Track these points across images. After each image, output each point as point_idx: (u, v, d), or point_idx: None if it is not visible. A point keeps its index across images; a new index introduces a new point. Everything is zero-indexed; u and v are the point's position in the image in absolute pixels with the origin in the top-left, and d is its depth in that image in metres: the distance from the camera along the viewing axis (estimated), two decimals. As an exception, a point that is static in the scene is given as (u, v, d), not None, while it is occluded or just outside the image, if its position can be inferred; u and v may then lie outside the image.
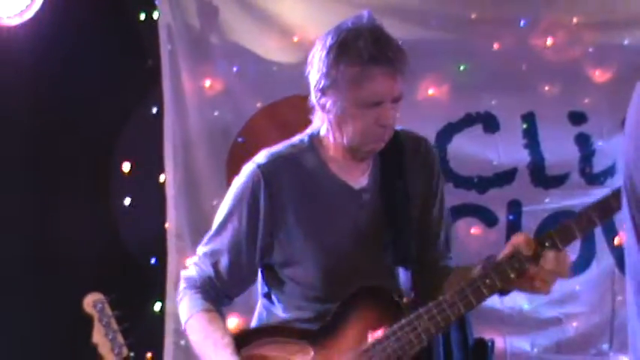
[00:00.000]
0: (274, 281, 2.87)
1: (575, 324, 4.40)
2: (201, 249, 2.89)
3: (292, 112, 4.40)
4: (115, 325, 2.99)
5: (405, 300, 2.75)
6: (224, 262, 2.82)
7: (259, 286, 2.95)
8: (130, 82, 4.35)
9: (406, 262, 2.80)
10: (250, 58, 4.40)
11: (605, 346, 4.21)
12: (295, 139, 2.86)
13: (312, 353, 2.71)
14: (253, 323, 2.97)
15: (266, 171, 2.77)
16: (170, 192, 4.39)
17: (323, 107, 2.73)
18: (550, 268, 2.62)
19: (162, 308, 4.38)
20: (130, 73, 4.36)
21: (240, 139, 4.43)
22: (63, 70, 4.27)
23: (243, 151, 4.38)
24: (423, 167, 2.86)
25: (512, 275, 2.63)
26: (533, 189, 4.44)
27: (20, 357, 4.29)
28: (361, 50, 2.63)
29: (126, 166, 4.37)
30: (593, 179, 4.44)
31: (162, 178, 4.40)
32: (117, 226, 4.29)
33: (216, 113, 4.45)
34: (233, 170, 4.35)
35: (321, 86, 2.70)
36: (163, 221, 4.39)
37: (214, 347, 2.72)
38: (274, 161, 2.80)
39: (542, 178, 4.43)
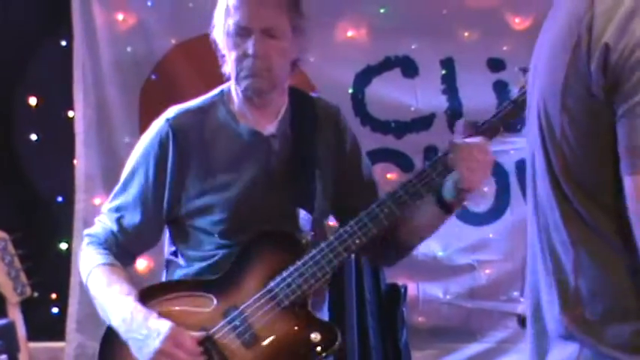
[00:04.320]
0: (179, 235, 2.84)
1: (487, 271, 4.44)
2: (107, 205, 2.86)
3: (207, 50, 4.30)
4: (18, 264, 2.92)
5: (304, 241, 2.74)
6: (129, 216, 2.78)
7: (166, 247, 2.93)
8: (37, 13, 4.21)
9: (307, 204, 2.78)
10: (165, -7, 4.30)
11: (516, 293, 4.24)
12: (208, 95, 2.86)
13: (214, 301, 2.69)
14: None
15: (175, 124, 2.76)
16: (79, 128, 4.30)
17: (216, 45, 2.77)
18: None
19: (69, 248, 4.31)
20: (39, 4, 4.23)
21: (153, 76, 4.36)
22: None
23: (157, 88, 4.31)
24: (335, 134, 2.87)
25: (409, 202, 2.65)
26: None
27: None
28: None
29: (32, 101, 4.25)
30: (510, 127, 4.43)
31: (71, 113, 4.29)
32: (22, 162, 4.18)
33: (129, 49, 4.36)
34: (146, 107, 4.32)
35: (214, 20, 2.76)
36: (71, 159, 4.28)
37: (117, 295, 2.69)
38: (183, 115, 2.80)
39: (460, 124, 4.43)
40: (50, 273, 3.87)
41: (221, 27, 2.72)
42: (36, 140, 4.28)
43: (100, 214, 2.87)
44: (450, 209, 2.71)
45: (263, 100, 2.76)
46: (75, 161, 4.30)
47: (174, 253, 2.89)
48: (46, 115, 4.30)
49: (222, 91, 2.84)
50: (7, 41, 4.13)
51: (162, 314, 2.67)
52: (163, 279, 2.93)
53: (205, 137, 2.76)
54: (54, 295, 4.32)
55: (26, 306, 2.89)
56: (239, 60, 2.69)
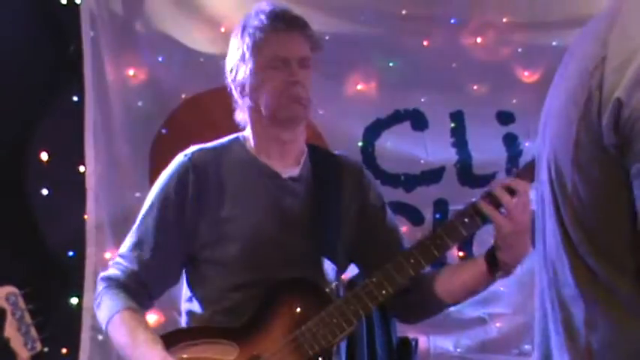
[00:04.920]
0: (196, 278, 2.83)
1: (498, 324, 4.42)
2: (124, 247, 2.85)
3: (217, 104, 4.32)
4: (28, 319, 2.92)
5: (328, 289, 2.74)
6: (149, 251, 2.78)
7: (183, 292, 2.91)
8: (50, 69, 4.24)
9: (332, 254, 2.77)
10: (176, 48, 4.34)
11: (528, 347, 4.22)
12: (223, 139, 2.90)
13: (237, 350, 2.66)
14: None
15: (195, 160, 2.80)
16: (90, 183, 4.31)
17: (238, 88, 2.80)
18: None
19: (80, 302, 4.29)
20: (51, 60, 4.25)
21: (163, 131, 4.37)
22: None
23: (167, 142, 4.32)
24: (359, 188, 2.88)
25: (436, 253, 2.65)
26: (460, 188, 4.44)
27: None
28: (260, 21, 2.74)
29: (44, 156, 4.26)
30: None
31: (82, 168, 4.31)
32: (33, 217, 4.18)
33: (139, 103, 4.38)
34: (156, 162, 4.33)
35: (231, 67, 2.80)
36: (82, 213, 4.29)
37: (145, 343, 2.65)
38: (203, 152, 2.84)
39: (470, 177, 4.43)
40: (61, 328, 3.86)
41: (247, 66, 2.74)
42: (47, 195, 4.28)
43: (115, 258, 2.85)
44: (496, 270, 2.68)
45: (295, 131, 2.78)
46: (86, 216, 4.30)
47: (190, 299, 2.86)
48: (57, 170, 4.30)
49: (237, 137, 2.88)
50: (19, 96, 4.14)
51: None
52: (182, 320, 2.91)
53: (223, 171, 2.79)
54: (64, 350, 4.29)
55: (37, 361, 2.89)
56: (281, 89, 2.71)
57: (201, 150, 2.85)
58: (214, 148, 2.86)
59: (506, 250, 2.62)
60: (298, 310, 2.68)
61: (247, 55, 2.74)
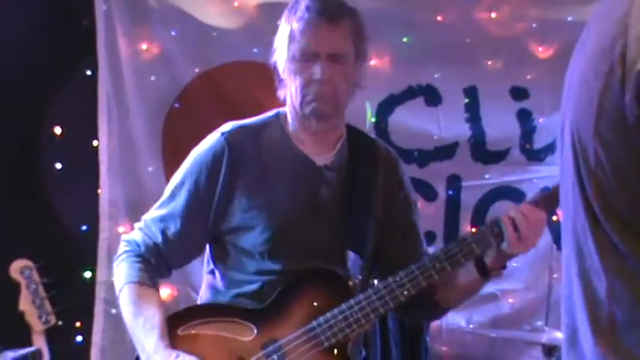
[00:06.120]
0: (220, 255, 2.82)
1: (511, 300, 4.42)
2: (151, 214, 2.82)
3: (230, 78, 4.34)
4: (43, 293, 2.94)
5: (352, 283, 2.72)
6: (175, 227, 2.76)
7: (205, 264, 2.90)
8: (63, 43, 4.24)
9: (357, 247, 2.77)
10: (189, 23, 4.33)
11: (540, 323, 4.21)
12: (262, 115, 2.85)
13: (254, 331, 2.67)
14: (199, 302, 2.91)
15: (230, 139, 2.75)
16: (103, 157, 4.32)
17: (278, 69, 2.74)
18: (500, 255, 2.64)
19: (93, 276, 4.32)
20: (64, 34, 4.25)
21: (177, 105, 4.37)
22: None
23: (180, 117, 4.33)
24: (393, 181, 2.86)
25: (462, 260, 2.63)
26: (473, 164, 4.43)
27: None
28: (302, 7, 2.68)
29: (57, 130, 4.27)
30: (534, 156, 4.44)
31: (95, 143, 4.32)
32: (47, 191, 4.19)
33: (152, 78, 4.38)
34: (169, 136, 4.34)
35: (274, 48, 2.74)
36: (96, 187, 4.30)
37: (143, 326, 2.66)
38: (239, 131, 2.78)
39: (483, 153, 4.43)
40: (74, 301, 3.87)
41: (284, 52, 2.70)
42: (60, 169, 4.29)
43: (142, 221, 2.83)
44: (488, 275, 2.69)
45: (325, 125, 2.75)
46: (99, 190, 4.31)
47: (212, 272, 2.86)
48: (70, 144, 4.30)
49: (277, 113, 2.83)
50: (33, 72, 4.14)
51: (197, 337, 2.66)
52: (200, 295, 2.91)
53: (258, 155, 2.75)
54: (78, 324, 4.32)
55: (51, 334, 2.90)
56: (305, 85, 2.68)
57: (239, 128, 2.79)
58: (253, 128, 2.80)
59: (503, 258, 2.66)
60: (319, 300, 2.67)
61: (286, 41, 2.69)
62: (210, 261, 2.86)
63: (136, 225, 2.85)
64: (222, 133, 2.77)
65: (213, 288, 2.84)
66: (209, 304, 2.82)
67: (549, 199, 2.63)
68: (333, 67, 2.66)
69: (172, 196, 2.79)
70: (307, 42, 2.66)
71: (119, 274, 2.79)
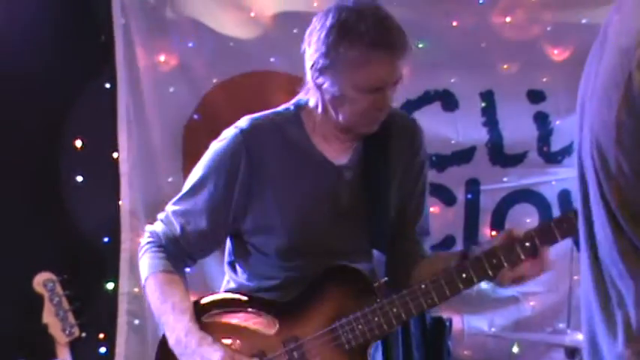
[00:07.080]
0: (240, 251, 2.82)
1: (532, 303, 4.42)
2: (172, 207, 2.83)
3: (248, 88, 4.35)
4: (66, 305, 2.96)
5: (377, 284, 2.71)
6: (194, 224, 2.76)
7: (225, 255, 2.91)
8: (82, 57, 4.27)
9: (381, 245, 2.77)
10: (206, 34, 4.34)
11: (562, 325, 4.21)
12: (281, 107, 2.80)
13: (277, 326, 2.68)
14: (221, 291, 2.92)
15: (248, 136, 2.71)
16: (124, 169, 4.34)
17: (319, 87, 2.66)
18: (526, 273, 2.64)
19: (116, 287, 4.33)
20: (83, 48, 4.28)
21: (196, 116, 4.38)
22: (13, 45, 4.17)
23: (200, 127, 4.34)
24: (409, 148, 2.84)
25: (489, 272, 2.62)
26: (492, 168, 4.43)
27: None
28: (363, 33, 2.56)
29: (78, 143, 4.30)
30: (551, 158, 4.44)
31: (115, 155, 4.34)
32: (69, 204, 4.21)
33: (171, 89, 4.39)
34: (189, 147, 4.36)
35: (319, 66, 2.63)
36: (117, 199, 4.33)
37: (172, 311, 2.67)
38: (257, 127, 2.74)
39: (501, 156, 4.43)
40: (97, 313, 3.90)
41: (330, 73, 2.60)
42: (82, 182, 4.32)
43: (164, 212, 2.84)
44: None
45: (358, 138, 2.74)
46: (120, 202, 4.33)
47: (231, 264, 2.86)
48: (91, 157, 4.33)
49: (296, 107, 2.77)
50: (53, 85, 4.18)
51: (219, 326, 2.66)
52: (223, 285, 2.92)
53: (277, 154, 2.72)
54: (102, 335, 4.33)
55: (75, 346, 2.92)
56: (365, 113, 2.63)
57: (255, 122, 2.74)
58: (271, 124, 2.74)
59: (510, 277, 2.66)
60: (342, 300, 2.67)
61: (340, 67, 2.58)
62: (230, 254, 2.87)
63: (159, 216, 2.86)
64: (241, 130, 2.73)
65: (236, 280, 2.85)
66: (233, 294, 2.82)
67: (549, 234, 2.62)
68: (393, 89, 2.64)
69: (192, 192, 2.78)
70: (378, 77, 2.59)
71: (143, 265, 2.81)
